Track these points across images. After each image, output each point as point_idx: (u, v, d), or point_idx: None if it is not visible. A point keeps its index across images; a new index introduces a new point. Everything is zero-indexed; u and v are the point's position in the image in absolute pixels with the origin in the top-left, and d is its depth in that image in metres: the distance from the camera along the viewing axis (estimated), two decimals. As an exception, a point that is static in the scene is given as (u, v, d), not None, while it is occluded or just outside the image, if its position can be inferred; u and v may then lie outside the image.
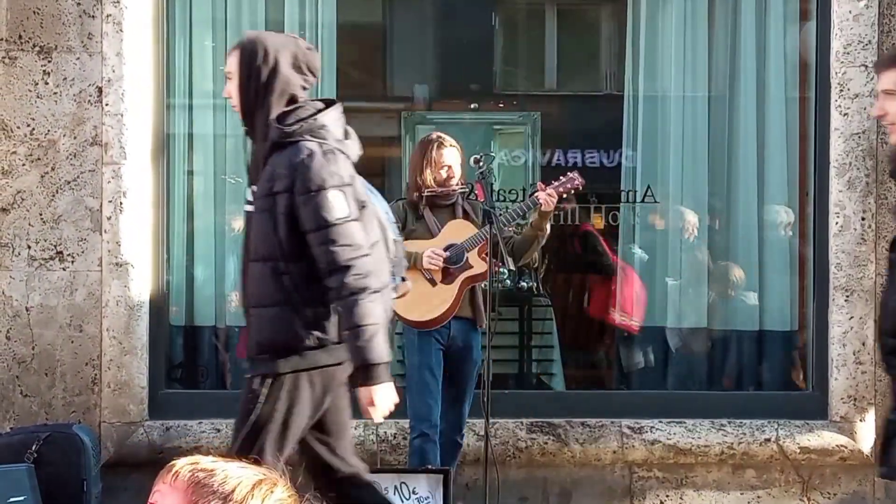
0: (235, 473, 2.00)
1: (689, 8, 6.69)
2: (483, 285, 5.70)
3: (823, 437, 6.04)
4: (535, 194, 5.68)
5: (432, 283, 5.69)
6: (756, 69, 6.62)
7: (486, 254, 5.48)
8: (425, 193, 5.74)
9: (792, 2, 6.57)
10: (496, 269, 5.57)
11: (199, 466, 2.01)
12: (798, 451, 6.05)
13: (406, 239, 5.68)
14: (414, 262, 5.60)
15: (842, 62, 6.04)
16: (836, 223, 6.05)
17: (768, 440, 6.06)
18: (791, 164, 6.55)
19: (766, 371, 6.75)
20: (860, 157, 6.02)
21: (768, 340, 6.69)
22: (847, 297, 6.02)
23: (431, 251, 5.67)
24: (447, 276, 5.69)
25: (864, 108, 6.01)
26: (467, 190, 5.86)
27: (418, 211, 5.79)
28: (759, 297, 6.62)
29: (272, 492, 2.01)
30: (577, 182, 5.76)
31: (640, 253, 6.87)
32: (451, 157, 5.75)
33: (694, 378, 6.90)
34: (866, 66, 6.00)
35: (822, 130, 6.18)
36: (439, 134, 5.89)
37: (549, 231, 5.78)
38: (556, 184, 5.73)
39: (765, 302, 6.63)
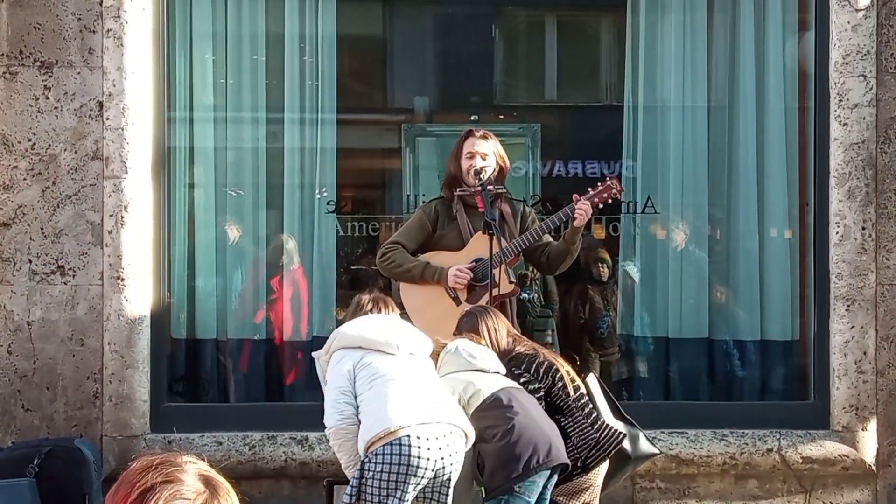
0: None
1: (688, 19, 6.70)
2: (519, 296, 5.50)
3: (825, 447, 6.04)
4: (571, 206, 5.42)
5: (457, 301, 5.44)
6: (755, 79, 6.63)
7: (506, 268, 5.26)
8: (457, 193, 5.51)
9: (791, 12, 6.58)
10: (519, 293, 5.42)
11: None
12: (800, 460, 6.04)
13: (435, 246, 5.54)
14: (438, 278, 5.41)
15: (840, 72, 6.05)
16: (837, 233, 6.05)
17: (770, 450, 6.05)
18: (791, 174, 6.55)
19: (767, 381, 6.74)
20: (860, 167, 6.03)
21: (769, 350, 6.69)
22: (848, 306, 6.03)
23: (457, 269, 5.41)
24: (472, 292, 5.43)
25: (864, 118, 6.02)
26: (502, 189, 5.58)
27: (451, 212, 5.55)
28: (759, 307, 6.62)
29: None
30: (614, 191, 5.47)
31: (631, 270, 6.85)
32: (475, 146, 5.52)
33: (695, 388, 6.89)
34: (865, 77, 6.01)
35: (821, 140, 6.19)
36: (475, 127, 5.68)
37: (579, 243, 5.59)
38: (592, 193, 5.46)
39: (766, 312, 6.62)
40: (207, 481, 1.97)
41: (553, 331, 7.38)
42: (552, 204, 6.85)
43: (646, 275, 6.85)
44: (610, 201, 5.60)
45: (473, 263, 5.46)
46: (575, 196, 5.53)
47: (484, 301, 5.32)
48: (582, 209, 5.38)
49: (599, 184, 5.58)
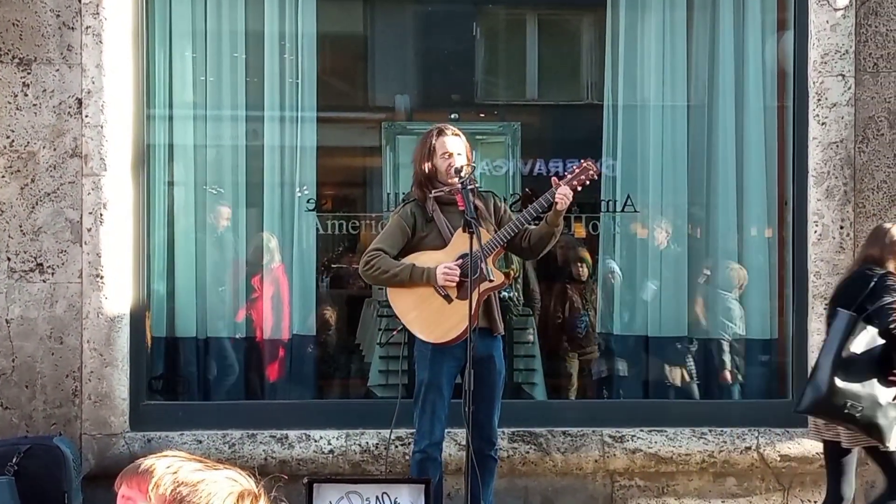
0: (217, 489, 1.95)
1: (668, 18, 6.72)
2: (499, 292, 5.47)
3: (803, 445, 6.07)
4: (552, 191, 5.35)
5: (448, 299, 5.36)
6: (735, 78, 6.65)
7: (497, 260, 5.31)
8: (432, 195, 5.43)
9: (770, 12, 6.61)
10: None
11: (181, 479, 1.95)
12: (778, 458, 6.07)
13: (416, 248, 5.48)
14: (427, 279, 5.35)
15: (819, 71, 6.08)
16: (815, 232, 6.08)
17: (749, 448, 6.08)
18: (770, 172, 6.58)
19: (746, 379, 6.77)
20: (838, 167, 6.06)
21: (748, 349, 6.72)
22: (826, 305, 6.05)
23: (445, 267, 5.34)
24: (462, 288, 5.33)
25: (842, 118, 6.05)
26: (476, 185, 5.50)
27: (427, 213, 5.47)
28: (738, 306, 6.64)
29: None
30: (591, 172, 5.41)
31: (615, 267, 6.88)
32: (451, 145, 5.46)
33: (674, 387, 6.92)
34: (843, 76, 6.04)
35: (800, 139, 6.22)
36: (442, 124, 5.63)
37: (563, 226, 5.53)
38: (570, 177, 5.41)
39: (745, 310, 6.65)
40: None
41: (534, 329, 7.40)
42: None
43: (625, 273, 6.87)
44: (588, 183, 5.52)
45: (459, 260, 5.44)
46: (554, 179, 5.45)
47: (475, 296, 5.24)
48: (563, 194, 5.33)
49: (575, 167, 5.51)
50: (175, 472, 1.95)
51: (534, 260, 6.61)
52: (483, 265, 5.20)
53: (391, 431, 5.77)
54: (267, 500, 2.03)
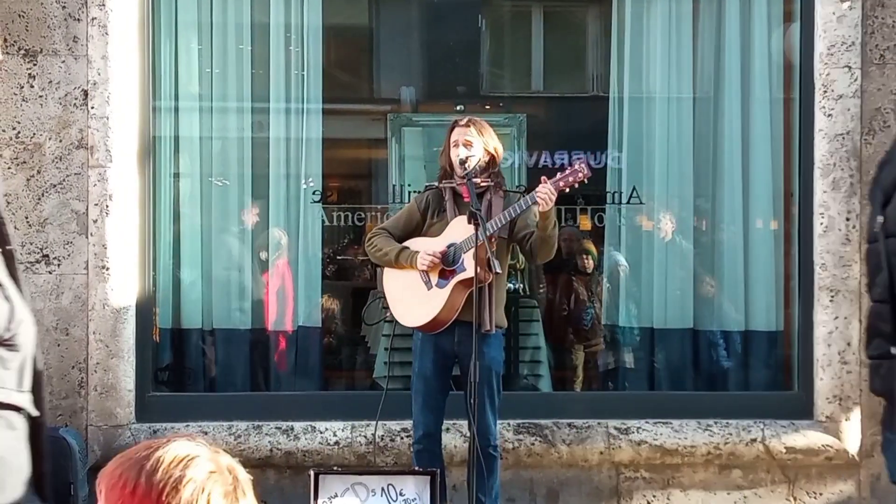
0: (157, 445, 2.01)
1: (674, 9, 6.71)
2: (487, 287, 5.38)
3: (809, 437, 6.07)
4: (534, 192, 5.19)
5: (427, 285, 5.38)
6: (741, 70, 6.64)
7: (476, 256, 5.08)
8: (444, 185, 5.42)
9: (776, 3, 6.60)
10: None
11: (120, 461, 2.02)
12: (784, 450, 6.07)
13: (425, 234, 5.48)
14: (410, 262, 5.36)
15: (825, 63, 6.06)
16: (821, 224, 6.07)
17: (754, 440, 6.08)
18: (776, 164, 6.57)
19: (751, 371, 6.76)
20: (844, 158, 6.05)
21: (754, 341, 6.72)
22: (832, 297, 6.05)
23: (425, 251, 5.34)
24: (443, 277, 5.33)
25: (849, 109, 6.04)
26: (489, 182, 5.37)
27: (442, 203, 5.46)
28: (744, 298, 6.64)
29: (193, 461, 2.01)
30: (580, 175, 5.19)
31: (621, 259, 6.87)
32: (458, 135, 5.40)
33: (680, 379, 6.91)
34: (850, 68, 6.03)
35: (806, 131, 6.21)
36: (460, 115, 5.56)
37: (554, 229, 5.29)
38: (558, 177, 5.21)
39: (750, 302, 6.65)
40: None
41: (540, 321, 7.40)
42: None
43: (631, 265, 6.86)
44: (577, 185, 5.32)
45: (445, 248, 5.41)
46: (543, 178, 5.27)
47: (452, 284, 5.26)
48: (542, 196, 5.14)
49: (567, 167, 5.40)
50: (119, 459, 2.03)
51: (541, 263, 6.45)
52: (464, 256, 5.20)
53: (376, 424, 5.81)
54: (214, 456, 2.03)
